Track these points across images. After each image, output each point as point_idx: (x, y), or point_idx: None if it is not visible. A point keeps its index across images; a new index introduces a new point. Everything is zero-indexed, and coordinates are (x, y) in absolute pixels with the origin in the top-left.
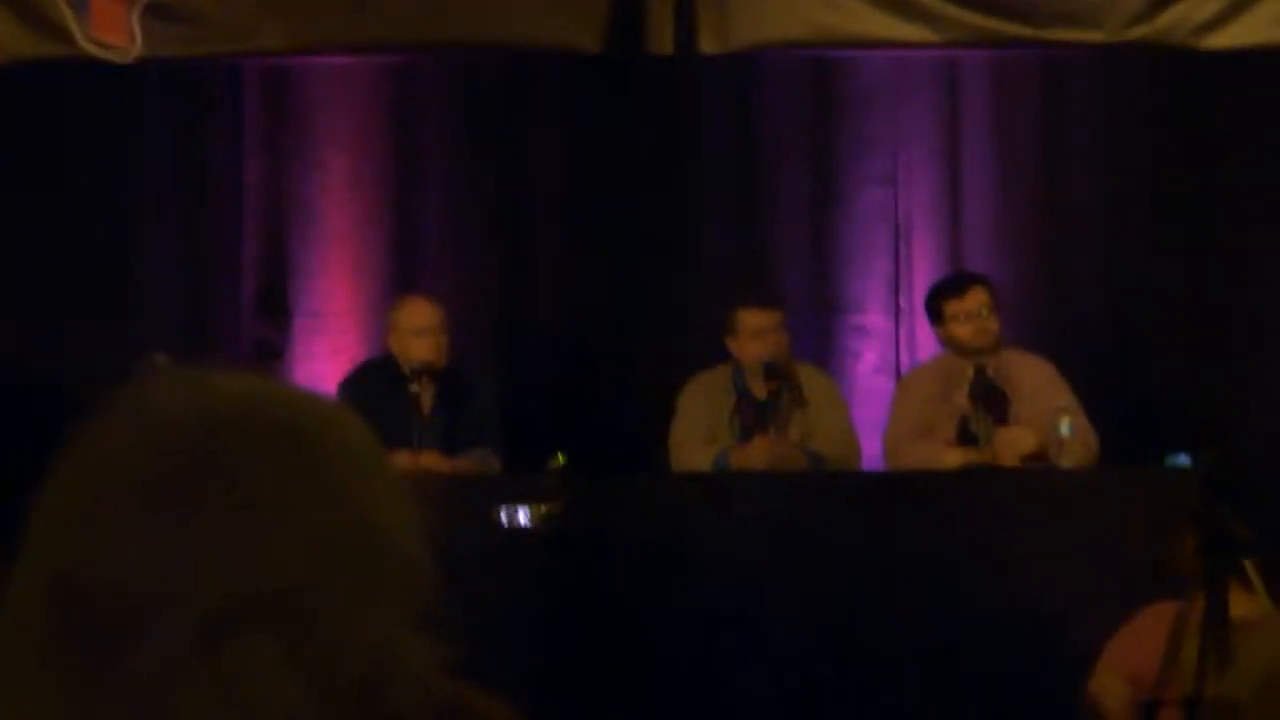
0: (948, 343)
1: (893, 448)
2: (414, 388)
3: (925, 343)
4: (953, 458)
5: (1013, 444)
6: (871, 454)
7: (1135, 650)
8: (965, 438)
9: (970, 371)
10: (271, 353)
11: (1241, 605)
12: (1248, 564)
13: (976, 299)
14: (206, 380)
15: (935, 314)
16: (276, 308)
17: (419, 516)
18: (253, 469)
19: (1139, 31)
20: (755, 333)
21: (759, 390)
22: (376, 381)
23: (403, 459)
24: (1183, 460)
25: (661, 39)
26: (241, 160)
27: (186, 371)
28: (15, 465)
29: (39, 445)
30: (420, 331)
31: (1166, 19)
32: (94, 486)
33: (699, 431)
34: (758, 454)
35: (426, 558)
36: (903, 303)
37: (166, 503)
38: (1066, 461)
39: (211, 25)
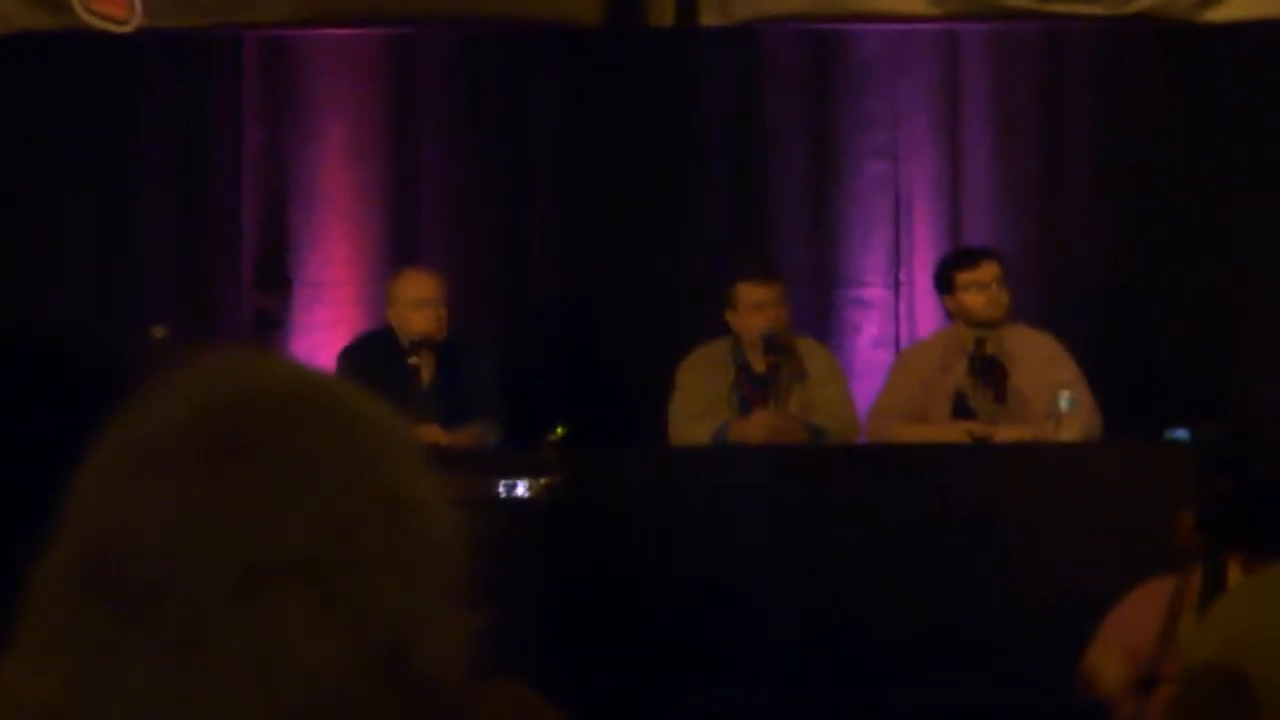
0: (957, 313)
1: (877, 423)
2: (414, 360)
3: (925, 316)
4: (949, 432)
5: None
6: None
7: (1132, 625)
8: (961, 412)
9: (971, 346)
10: (271, 323)
11: (1238, 580)
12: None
13: (989, 271)
14: (242, 360)
15: (946, 284)
16: (276, 279)
17: (446, 489)
18: (283, 440)
19: (1139, 4)
20: (755, 306)
21: (758, 364)
22: (376, 353)
23: None
24: (1182, 434)
25: (662, 11)
26: (241, 131)
27: (225, 354)
28: (15, 433)
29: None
30: (420, 303)
31: None
32: (129, 458)
33: (698, 405)
34: (757, 427)
35: (454, 529)
36: (903, 276)
37: (197, 469)
38: (1066, 435)
39: None
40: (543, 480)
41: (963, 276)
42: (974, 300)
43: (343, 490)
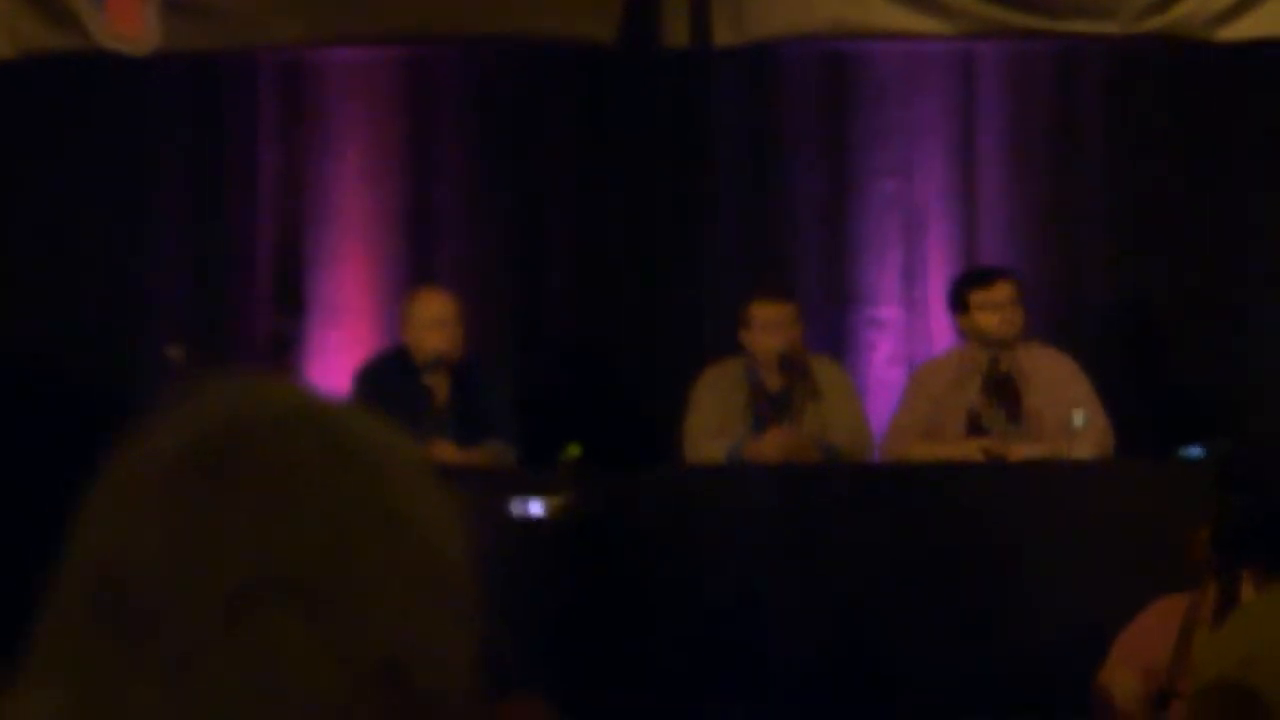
0: (971, 332)
1: (892, 442)
2: (428, 380)
3: (939, 334)
4: (963, 449)
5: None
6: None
7: (1147, 642)
8: (975, 430)
9: (985, 364)
10: (287, 344)
11: (1252, 597)
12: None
13: (1003, 290)
14: (247, 385)
15: (960, 303)
16: (291, 300)
17: (452, 510)
18: (278, 462)
19: (1153, 23)
20: (769, 325)
21: (773, 383)
22: (391, 373)
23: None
24: (1196, 452)
25: (676, 31)
26: (257, 153)
27: (230, 379)
28: (32, 453)
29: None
30: (435, 323)
31: (1181, 10)
32: (133, 482)
33: (712, 424)
34: (772, 446)
35: (460, 548)
36: (917, 294)
37: (192, 493)
38: (1080, 453)
39: (227, 18)
40: (557, 499)
41: (977, 296)
42: (988, 319)
43: (338, 510)
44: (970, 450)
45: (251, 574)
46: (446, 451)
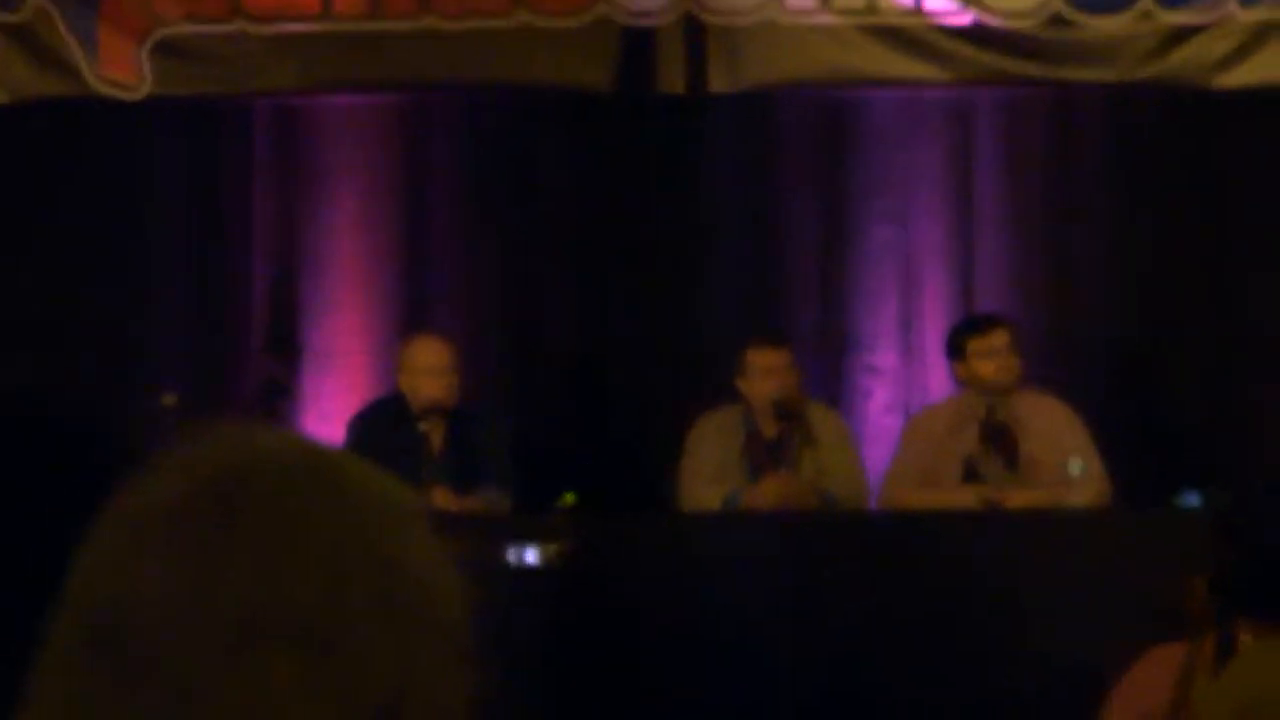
0: (968, 380)
1: (890, 490)
2: (423, 427)
3: (936, 382)
4: (961, 497)
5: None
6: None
7: (1144, 692)
8: (971, 478)
9: (982, 412)
10: (281, 391)
11: (1250, 645)
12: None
13: (1000, 338)
14: (244, 433)
15: (957, 351)
16: (286, 346)
17: (448, 558)
18: (278, 508)
19: (1150, 70)
20: (765, 372)
21: (769, 429)
22: (386, 420)
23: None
24: (1193, 499)
25: (672, 78)
26: (251, 198)
27: (222, 430)
28: (27, 498)
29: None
30: (430, 370)
31: (1178, 57)
32: (132, 525)
33: (709, 470)
34: (768, 493)
35: (456, 594)
36: (913, 341)
37: (193, 536)
38: (1077, 501)
39: (222, 63)
40: (553, 547)
41: (974, 343)
42: (985, 367)
43: (337, 556)
44: (967, 498)
45: (252, 618)
46: (443, 499)
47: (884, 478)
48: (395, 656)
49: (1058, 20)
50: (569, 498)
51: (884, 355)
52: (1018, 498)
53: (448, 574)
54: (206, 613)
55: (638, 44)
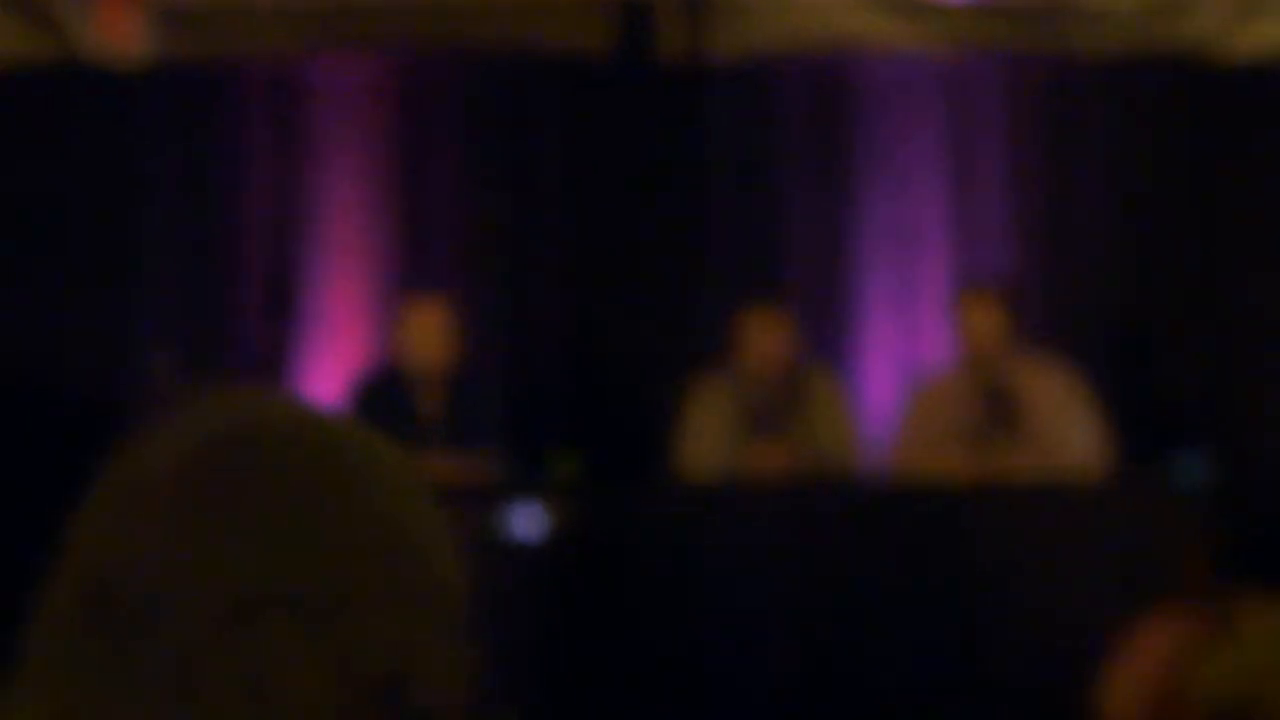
0: (963, 344)
1: (894, 459)
2: (422, 391)
3: (936, 348)
4: (964, 463)
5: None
6: (878, 460)
7: (1144, 661)
8: (973, 444)
9: (982, 378)
10: (278, 356)
11: (1250, 616)
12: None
13: (990, 301)
14: (242, 400)
15: (953, 316)
16: (283, 310)
17: (447, 526)
18: (278, 477)
19: (1152, 38)
20: (762, 335)
21: (765, 393)
22: (384, 385)
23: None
24: (1192, 459)
25: (672, 46)
26: (246, 163)
27: (224, 395)
28: (21, 461)
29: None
30: (428, 335)
31: (1179, 26)
32: (129, 492)
33: (706, 434)
34: (765, 456)
35: (456, 564)
36: (912, 311)
37: (192, 505)
38: (1078, 465)
39: (217, 28)
40: (550, 512)
41: (965, 307)
42: (974, 331)
43: (337, 526)
44: (970, 464)
45: (252, 586)
46: (440, 464)
47: (891, 448)
48: (397, 628)
49: None
50: (568, 463)
51: (882, 322)
52: (1019, 460)
53: (449, 544)
54: (206, 581)
55: (637, 11)
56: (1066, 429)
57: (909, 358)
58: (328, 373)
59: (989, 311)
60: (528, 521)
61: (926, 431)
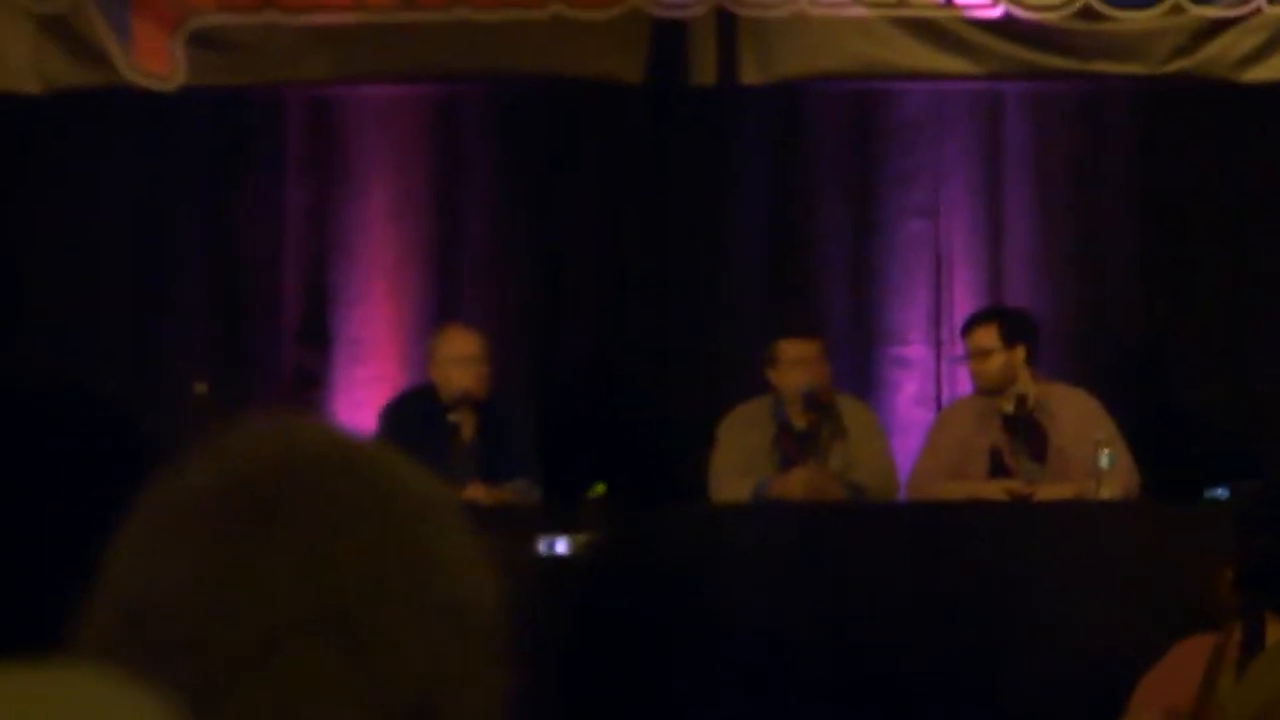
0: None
1: (917, 483)
2: (454, 417)
3: (965, 374)
4: (988, 490)
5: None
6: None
7: (1171, 685)
8: (998, 471)
9: (1008, 406)
10: (312, 381)
11: (1277, 638)
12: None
13: (983, 337)
14: (278, 425)
15: (964, 350)
16: (317, 336)
17: (481, 550)
18: (312, 502)
19: (1180, 64)
20: (795, 363)
21: (799, 420)
22: (416, 410)
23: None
24: (1222, 493)
25: (703, 70)
26: (283, 189)
27: (262, 419)
28: (56, 489)
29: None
30: (461, 360)
31: (1208, 52)
32: (165, 517)
33: (739, 462)
34: (797, 484)
35: (489, 589)
36: (943, 334)
37: (226, 530)
38: (1106, 493)
39: (254, 54)
40: (582, 537)
41: (965, 344)
42: (970, 369)
43: (372, 551)
44: (995, 492)
45: (287, 610)
46: (473, 490)
47: (912, 471)
48: (429, 651)
49: (1088, 13)
50: (599, 488)
51: (913, 348)
52: (1046, 491)
53: (481, 568)
54: (240, 604)
55: (669, 36)
56: (1093, 454)
57: (940, 383)
58: (361, 399)
59: (990, 341)
60: (559, 544)
61: (950, 456)
